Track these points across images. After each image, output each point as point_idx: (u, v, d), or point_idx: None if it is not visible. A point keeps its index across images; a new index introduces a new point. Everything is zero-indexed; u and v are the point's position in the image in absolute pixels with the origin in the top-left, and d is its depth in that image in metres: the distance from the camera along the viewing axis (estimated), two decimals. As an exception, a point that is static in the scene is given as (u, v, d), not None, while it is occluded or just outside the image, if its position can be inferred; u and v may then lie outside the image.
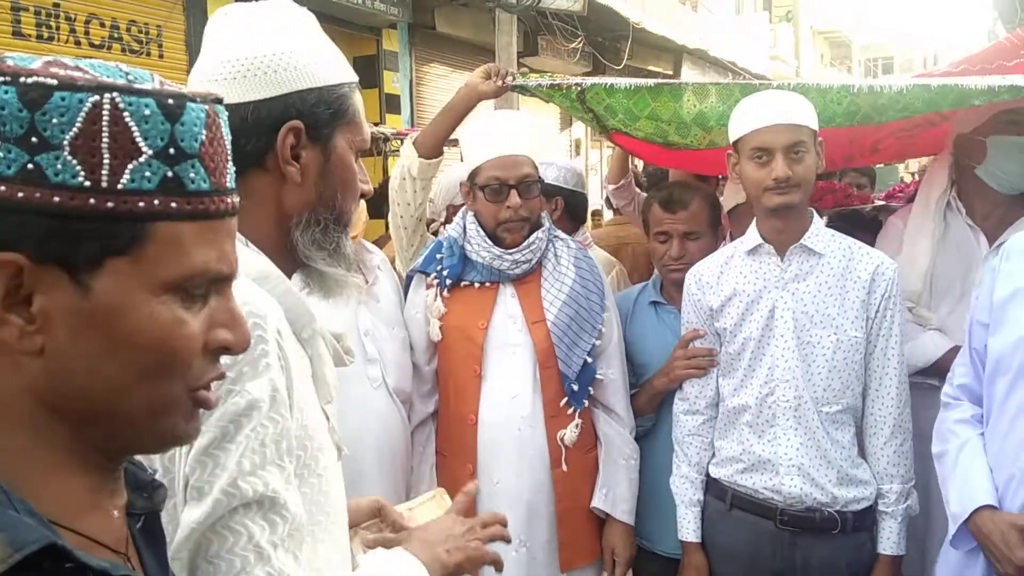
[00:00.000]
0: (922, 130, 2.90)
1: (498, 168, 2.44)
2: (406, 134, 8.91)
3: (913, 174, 11.49)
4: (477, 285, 2.51)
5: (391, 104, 10.37)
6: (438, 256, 2.54)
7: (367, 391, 2.33)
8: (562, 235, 2.62)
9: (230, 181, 0.80)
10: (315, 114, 1.22)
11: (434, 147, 2.71)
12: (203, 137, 0.76)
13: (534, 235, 2.48)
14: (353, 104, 1.28)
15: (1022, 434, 1.92)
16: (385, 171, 8.65)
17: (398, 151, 9.13)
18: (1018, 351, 1.95)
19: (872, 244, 2.78)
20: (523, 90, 2.83)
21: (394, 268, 2.78)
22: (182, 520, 1.04)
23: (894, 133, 2.91)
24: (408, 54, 10.89)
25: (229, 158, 0.80)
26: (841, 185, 3.42)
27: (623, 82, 2.68)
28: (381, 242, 6.03)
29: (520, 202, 2.42)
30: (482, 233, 2.50)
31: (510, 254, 2.46)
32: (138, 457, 0.87)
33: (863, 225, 3.13)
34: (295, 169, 1.21)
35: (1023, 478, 1.90)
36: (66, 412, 0.74)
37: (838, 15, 38.45)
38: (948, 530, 2.04)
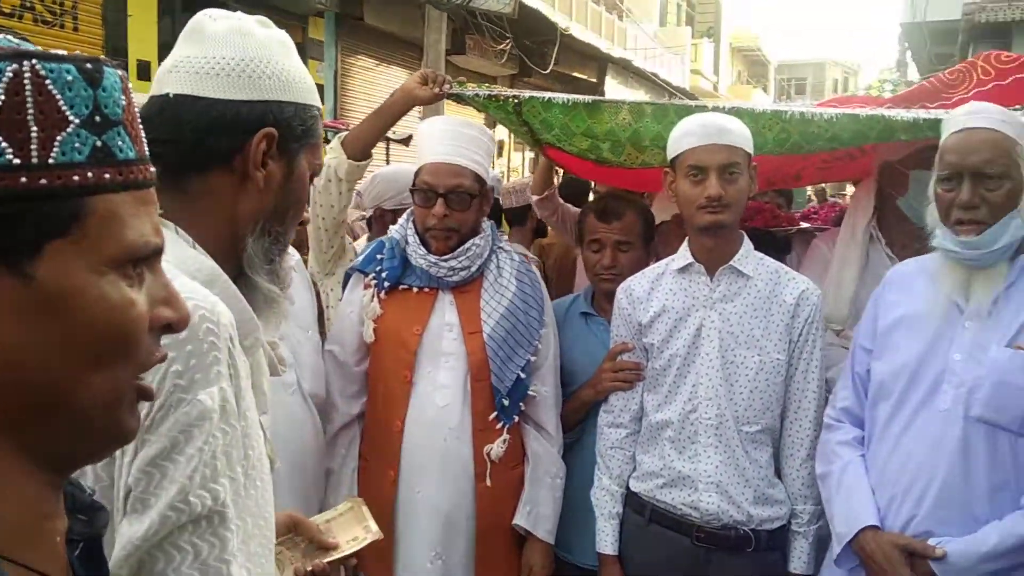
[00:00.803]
0: (842, 163, 2.98)
1: (432, 174, 2.41)
2: (331, 126, 8.79)
3: (821, 195, 11.89)
4: (416, 289, 2.47)
5: (314, 94, 10.19)
6: (378, 256, 2.49)
7: (281, 396, 2.23)
8: (507, 247, 2.59)
9: (147, 149, 0.77)
10: (290, 127, 1.23)
11: (364, 149, 2.66)
12: (123, 102, 0.72)
13: (470, 242, 2.45)
14: (320, 129, 1.30)
15: (903, 457, 2.01)
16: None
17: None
18: (901, 377, 2.04)
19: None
20: (459, 99, 2.79)
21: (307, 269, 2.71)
22: (122, 534, 0.98)
23: (816, 164, 2.98)
24: (334, 44, 10.74)
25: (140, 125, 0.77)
26: (769, 205, 3.49)
27: (561, 97, 2.68)
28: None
29: (444, 212, 2.38)
30: (417, 240, 2.46)
31: (446, 261, 2.43)
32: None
33: (773, 245, 3.20)
34: (261, 175, 1.20)
35: (904, 499, 1.99)
36: (13, 416, 0.68)
37: (757, 35, 39.52)
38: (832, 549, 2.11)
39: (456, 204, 2.39)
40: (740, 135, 2.27)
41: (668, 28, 25.76)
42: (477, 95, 2.76)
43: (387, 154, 9.34)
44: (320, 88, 10.29)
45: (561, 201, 4.08)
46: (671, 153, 2.34)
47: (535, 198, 3.94)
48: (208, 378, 1.01)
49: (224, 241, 1.21)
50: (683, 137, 2.30)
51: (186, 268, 1.09)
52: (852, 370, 2.22)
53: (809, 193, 11.38)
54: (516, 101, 2.72)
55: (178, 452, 0.99)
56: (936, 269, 2.07)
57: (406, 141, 8.54)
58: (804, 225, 3.54)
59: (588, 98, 2.70)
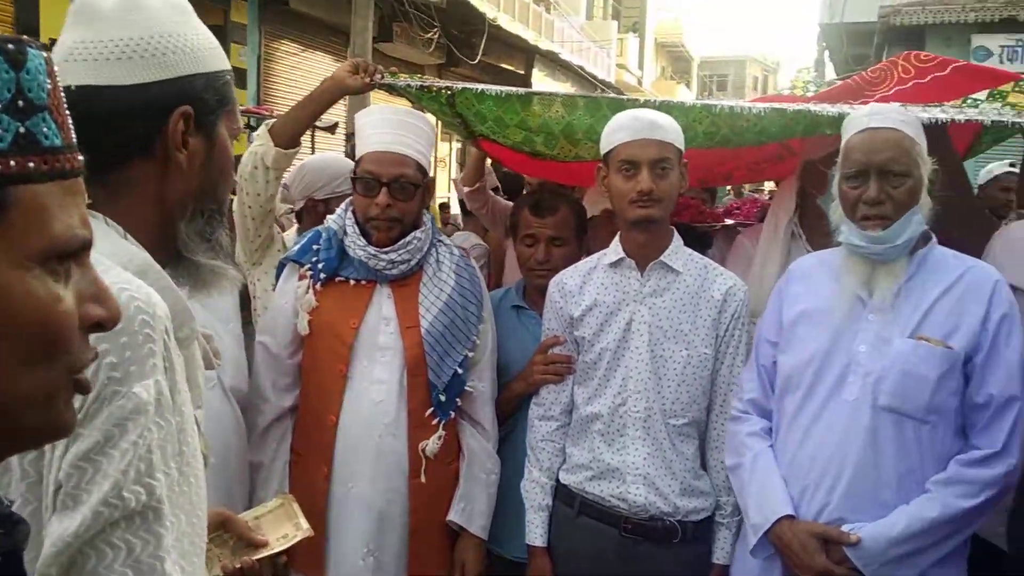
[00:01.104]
0: (772, 164, 3.05)
1: (374, 163, 2.37)
2: (254, 112, 8.60)
3: (741, 192, 12.13)
4: (353, 282, 2.42)
5: (237, 78, 9.78)
6: (315, 247, 2.44)
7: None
8: (447, 240, 2.57)
9: (74, 137, 0.74)
10: (204, 100, 1.17)
11: (292, 137, 2.61)
12: (48, 86, 0.69)
13: (411, 235, 2.42)
14: (233, 92, 1.25)
15: (814, 447, 2.07)
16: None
17: (242, 128, 8.77)
18: (808, 369, 2.10)
19: None
20: (391, 89, 2.76)
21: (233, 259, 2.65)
22: (52, 531, 0.94)
23: (747, 165, 3.05)
24: (257, 28, 10.51)
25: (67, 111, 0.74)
26: (695, 201, 3.54)
27: (494, 89, 2.66)
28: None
29: (388, 201, 2.34)
30: (357, 230, 2.42)
31: (385, 253, 2.39)
32: None
33: (695, 240, 3.25)
34: (184, 156, 1.16)
35: (817, 488, 2.05)
36: None
37: (681, 31, 40.07)
38: (747, 539, 2.16)
39: (399, 194, 2.36)
40: (672, 131, 2.30)
41: (595, 22, 25.94)
42: (409, 86, 2.73)
43: (312, 142, 9.20)
44: (242, 73, 10.08)
45: (492, 194, 4.08)
46: (604, 148, 2.36)
47: (466, 190, 3.93)
48: (143, 371, 0.98)
49: (155, 228, 1.17)
50: (615, 132, 2.32)
51: (118, 259, 1.05)
52: (757, 362, 2.27)
53: (728, 189, 11.61)
54: (449, 92, 2.70)
55: (112, 446, 0.95)
56: (840, 264, 2.15)
57: (332, 129, 8.42)
58: (728, 221, 3.61)
59: (522, 90, 2.70)
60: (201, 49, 1.18)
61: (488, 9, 14.09)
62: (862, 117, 2.12)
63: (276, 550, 1.69)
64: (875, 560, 1.97)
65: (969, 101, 2.57)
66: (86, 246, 0.73)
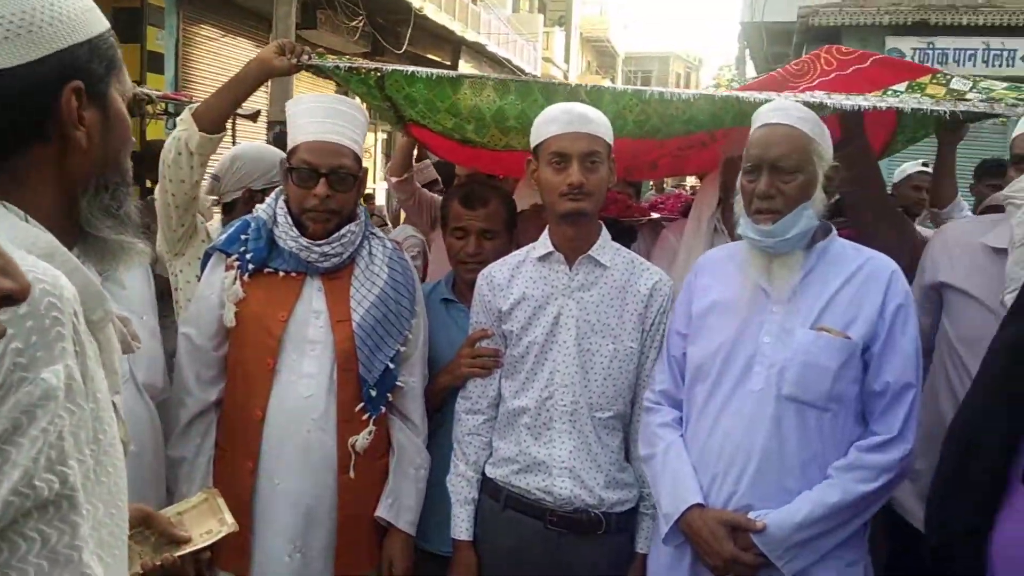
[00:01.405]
0: (696, 151, 3.10)
1: (312, 153, 2.31)
2: (173, 98, 8.36)
3: (663, 187, 12.34)
4: (282, 273, 2.36)
5: (154, 63, 9.69)
6: (243, 237, 2.37)
7: None
8: (379, 233, 2.53)
9: None
10: (91, 70, 1.10)
11: (216, 122, 2.55)
12: None
13: (345, 228, 2.37)
14: (118, 52, 1.17)
15: (722, 436, 2.13)
16: (143, 134, 8.06)
17: (160, 115, 8.52)
18: (716, 359, 2.16)
19: None
20: (319, 71, 2.70)
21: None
22: None
23: (672, 152, 3.08)
24: (175, 11, 10.22)
25: None
26: (622, 196, 3.58)
27: (425, 71, 2.63)
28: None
29: (327, 192, 2.30)
30: (290, 220, 2.36)
31: (318, 246, 2.33)
32: None
33: (619, 234, 3.28)
34: (82, 133, 1.09)
35: (725, 476, 2.11)
36: None
37: (606, 26, 40.40)
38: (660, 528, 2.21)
39: (338, 185, 2.32)
40: (601, 125, 2.31)
41: (521, 15, 25.98)
42: (338, 67, 2.67)
43: (233, 131, 8.99)
44: (160, 57, 9.79)
45: (419, 186, 4.04)
46: (534, 140, 2.36)
47: (393, 179, 3.88)
48: (52, 355, 0.94)
49: (61, 210, 1.12)
50: (546, 124, 2.32)
51: (21, 243, 1.00)
52: (668, 354, 2.31)
53: (651, 184, 11.79)
54: (379, 75, 2.65)
55: (20, 434, 0.91)
56: (743, 256, 2.21)
57: (254, 117, 8.25)
58: (654, 215, 3.66)
59: (453, 73, 2.66)
60: (77, 14, 1.09)
61: (414, -2, 13.98)
62: (764, 112, 2.18)
63: (199, 546, 1.65)
64: (780, 545, 2.03)
65: (889, 92, 2.65)
66: None
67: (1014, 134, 2.32)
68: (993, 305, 2.29)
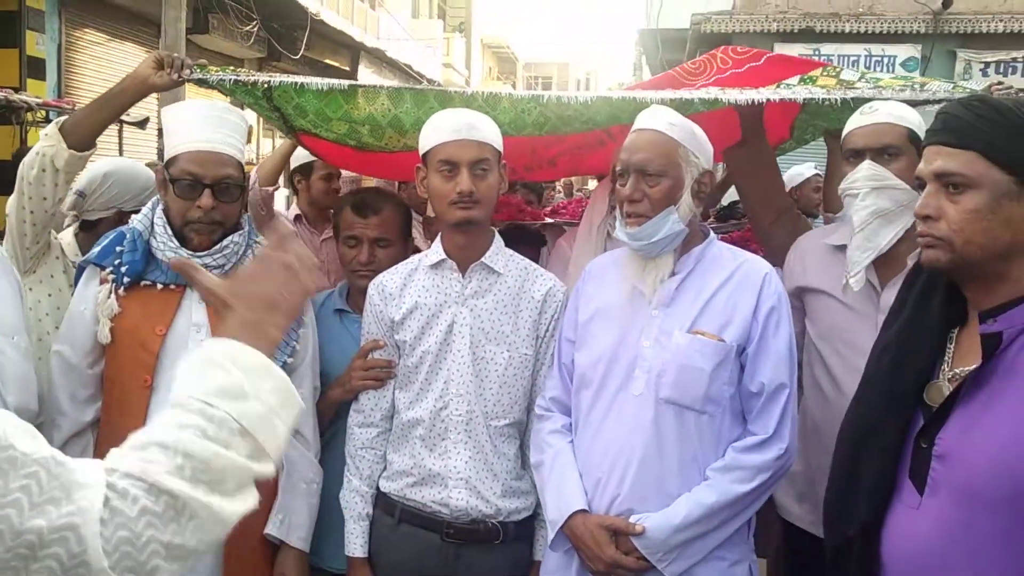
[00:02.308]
0: (592, 149, 3.11)
1: (195, 163, 2.21)
2: (55, 105, 8.00)
3: (568, 190, 12.45)
4: (160, 286, 2.26)
5: (34, 68, 9.26)
6: (117, 249, 2.26)
7: None
8: (263, 242, 2.44)
9: None
10: None
11: (87, 138, 2.43)
12: None
13: (228, 239, 2.28)
14: None
15: (606, 441, 2.14)
16: (24, 142, 7.69)
17: (41, 123, 8.15)
18: (599, 365, 2.17)
19: (535, 258, 2.95)
20: (203, 84, 2.60)
21: None
22: None
23: (571, 149, 3.10)
24: (57, 15, 9.79)
25: None
26: (516, 200, 3.58)
27: (315, 82, 2.56)
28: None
29: (212, 203, 2.20)
30: (169, 232, 2.26)
31: (199, 257, 2.23)
32: None
33: (526, 240, 3.29)
34: None
35: (608, 481, 2.12)
36: None
37: (506, 32, 40.63)
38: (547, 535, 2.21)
39: (224, 196, 2.22)
40: (490, 132, 2.30)
41: (420, 20, 25.82)
42: (223, 80, 2.58)
43: (120, 138, 8.67)
44: (40, 62, 9.37)
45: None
46: (423, 148, 2.32)
47: (267, 190, 3.70)
48: None
49: None
50: (434, 132, 2.29)
51: None
52: (558, 360, 2.31)
53: (558, 186, 11.88)
54: (266, 85, 2.57)
55: None
56: (623, 261, 2.23)
57: (142, 124, 7.97)
58: (548, 220, 3.67)
59: (344, 83, 2.60)
60: None
61: (310, 3, 13.74)
62: (640, 118, 2.20)
63: None
64: (660, 548, 2.05)
65: (783, 86, 2.71)
66: None
67: (845, 132, 2.42)
68: (845, 299, 2.38)
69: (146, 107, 8.64)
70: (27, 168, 2.42)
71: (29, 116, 7.69)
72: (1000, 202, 1.51)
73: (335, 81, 2.59)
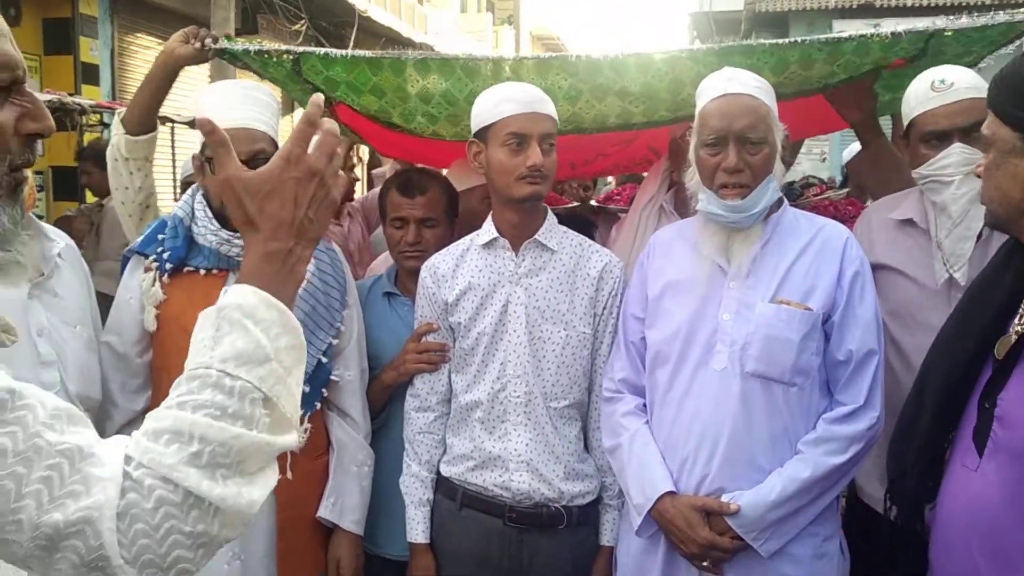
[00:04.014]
0: (618, 148, 3.06)
1: (231, 141, 2.17)
2: (107, 107, 8.10)
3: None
4: (203, 272, 2.24)
5: (88, 74, 9.42)
6: (160, 237, 2.25)
7: None
8: None
9: None
10: None
11: (140, 122, 2.49)
12: None
13: None
14: (15, 58, 1.12)
15: (689, 419, 2.07)
16: (80, 146, 7.80)
17: (96, 125, 8.26)
18: (675, 341, 2.10)
19: None
20: (230, 57, 2.60)
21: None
22: None
23: (592, 154, 3.06)
24: (109, 20, 9.94)
25: None
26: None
27: (339, 53, 2.52)
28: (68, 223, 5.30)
29: None
30: (209, 214, 2.24)
31: (239, 238, 2.19)
32: None
33: (578, 225, 3.19)
34: None
35: (695, 460, 2.06)
36: None
37: (555, 21, 40.50)
38: (631, 520, 2.16)
39: None
40: (552, 107, 2.25)
41: (469, 14, 25.85)
42: (247, 50, 2.57)
43: (172, 137, 8.76)
44: (95, 68, 9.52)
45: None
46: (485, 120, 2.24)
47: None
48: None
49: None
50: (497, 105, 2.22)
51: None
52: (625, 339, 2.25)
53: (610, 181, 11.78)
54: (293, 57, 2.55)
55: None
56: (697, 233, 2.14)
57: (193, 123, 8.03)
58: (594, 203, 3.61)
59: (369, 53, 2.55)
60: None
61: (358, 0, 13.78)
62: (719, 82, 2.09)
63: None
64: (756, 526, 1.99)
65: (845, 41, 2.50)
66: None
67: (918, 111, 2.24)
68: (914, 274, 2.29)
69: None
70: (109, 161, 2.55)
71: (83, 120, 7.81)
72: (1006, 159, 1.55)
73: (359, 52, 2.54)
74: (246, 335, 1.01)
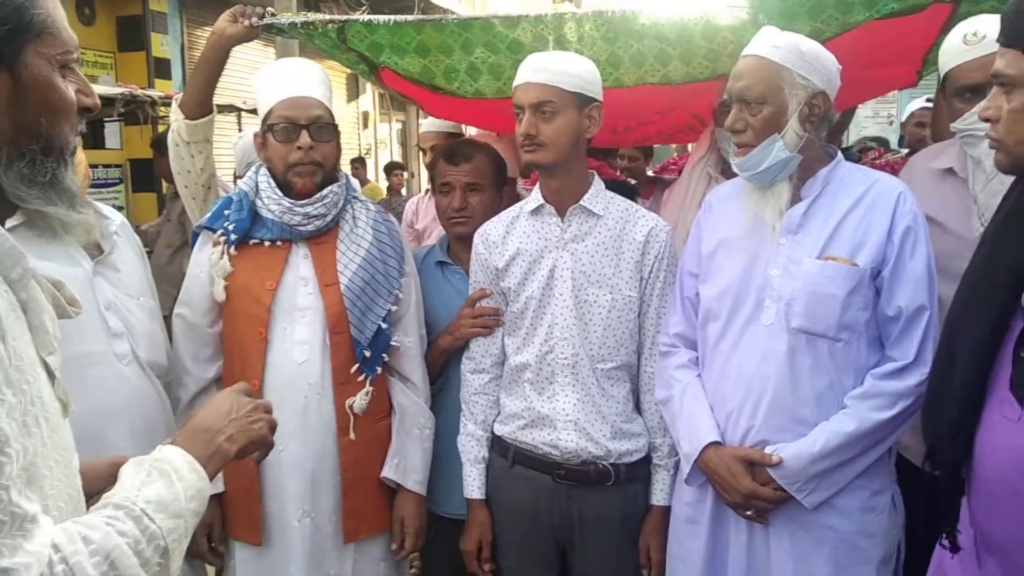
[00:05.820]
0: (661, 116, 3.13)
1: (288, 108, 2.32)
2: (174, 97, 8.38)
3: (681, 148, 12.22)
4: (267, 243, 2.36)
5: (160, 68, 9.72)
6: (226, 212, 2.38)
7: (116, 368, 2.08)
8: (362, 197, 2.53)
9: None
10: None
11: (198, 105, 2.58)
12: None
13: (328, 188, 2.36)
14: (40, 14, 1.14)
15: (736, 372, 2.11)
16: (154, 137, 8.12)
17: (168, 117, 8.57)
18: (726, 297, 2.13)
19: None
20: (277, 30, 2.70)
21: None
22: None
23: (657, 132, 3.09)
24: (178, 15, 10.23)
25: None
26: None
27: (382, 19, 2.62)
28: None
29: (311, 143, 2.30)
30: (273, 184, 2.36)
31: (301, 206, 2.33)
32: None
33: (622, 193, 3.26)
34: None
35: (740, 412, 2.10)
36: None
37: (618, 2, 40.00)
38: (681, 468, 2.22)
39: (319, 135, 2.32)
40: (560, 73, 2.23)
41: (527, -6, 25.76)
42: (293, 23, 2.67)
43: (239, 126, 9.03)
44: (166, 62, 9.82)
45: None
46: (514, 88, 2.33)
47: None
48: None
49: None
50: (515, 78, 2.31)
51: None
52: (681, 295, 2.29)
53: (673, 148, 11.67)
54: (337, 26, 2.65)
55: None
56: (744, 191, 2.18)
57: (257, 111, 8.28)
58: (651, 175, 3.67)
59: (411, 17, 2.66)
60: None
61: (419, -17, 13.89)
62: (749, 45, 2.11)
63: None
64: (798, 477, 2.01)
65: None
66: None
67: (952, 65, 2.23)
68: (951, 224, 2.28)
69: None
70: (170, 146, 2.63)
71: (154, 111, 8.09)
72: None
73: (400, 17, 2.65)
74: (170, 487, 1.15)
